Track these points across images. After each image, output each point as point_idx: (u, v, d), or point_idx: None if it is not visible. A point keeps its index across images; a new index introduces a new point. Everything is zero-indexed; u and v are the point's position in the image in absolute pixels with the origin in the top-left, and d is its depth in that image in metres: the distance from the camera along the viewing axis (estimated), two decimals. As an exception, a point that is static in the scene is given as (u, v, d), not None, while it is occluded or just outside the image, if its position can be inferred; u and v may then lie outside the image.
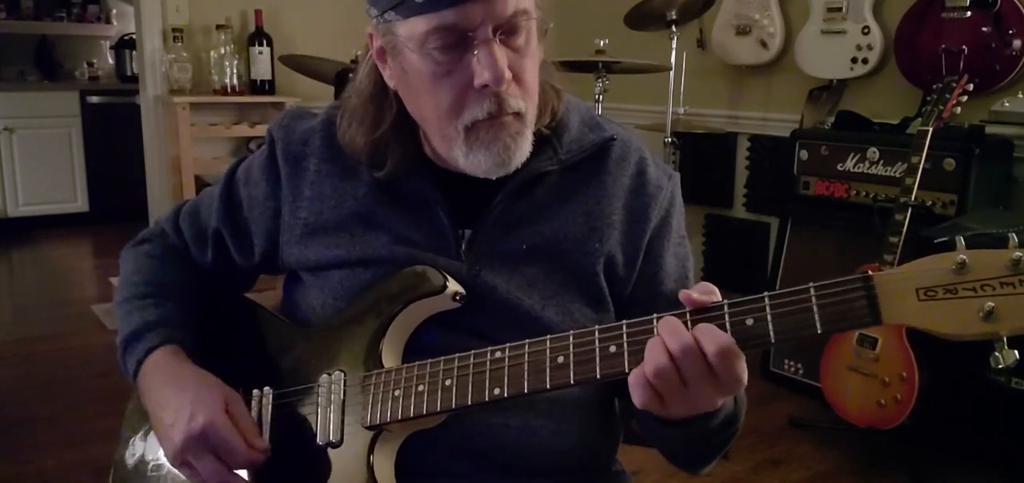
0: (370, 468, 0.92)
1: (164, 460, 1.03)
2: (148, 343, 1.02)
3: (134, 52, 5.27)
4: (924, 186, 2.29)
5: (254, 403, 1.02)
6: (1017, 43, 2.52)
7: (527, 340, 0.88)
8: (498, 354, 0.88)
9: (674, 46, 3.07)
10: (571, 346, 0.85)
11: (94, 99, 5.69)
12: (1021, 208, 2.57)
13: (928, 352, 2.25)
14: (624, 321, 0.84)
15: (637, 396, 0.80)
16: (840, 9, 2.95)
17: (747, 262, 3.49)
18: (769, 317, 0.77)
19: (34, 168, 5.50)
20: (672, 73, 3.09)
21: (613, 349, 0.83)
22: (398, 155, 1.00)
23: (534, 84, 0.95)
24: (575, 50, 3.04)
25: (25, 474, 2.37)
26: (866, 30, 2.88)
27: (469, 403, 0.89)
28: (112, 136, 5.60)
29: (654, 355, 0.78)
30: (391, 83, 0.98)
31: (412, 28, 0.89)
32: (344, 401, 0.96)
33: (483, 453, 0.97)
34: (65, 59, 6.16)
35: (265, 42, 3.75)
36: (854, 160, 2.68)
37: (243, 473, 0.97)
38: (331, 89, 3.11)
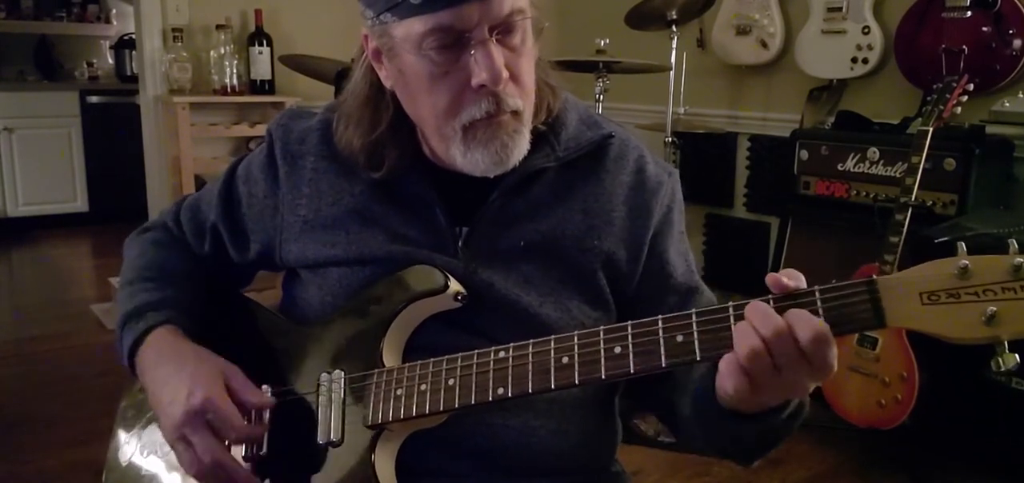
0: (371, 467, 0.92)
1: (158, 457, 1.03)
2: (147, 322, 1.02)
3: (134, 52, 5.27)
4: (924, 186, 2.29)
5: (254, 402, 1.01)
6: (1017, 43, 2.52)
7: (531, 340, 0.88)
8: (502, 354, 0.88)
9: (674, 46, 3.07)
10: (576, 346, 0.85)
11: (94, 99, 5.70)
12: (1021, 208, 2.57)
13: (928, 352, 2.25)
14: (629, 322, 0.84)
15: (731, 383, 0.79)
16: (840, 9, 2.95)
17: (747, 262, 3.49)
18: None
19: (34, 168, 5.50)
20: (672, 73, 3.09)
21: (618, 350, 0.83)
22: (395, 156, 1.01)
23: (531, 82, 0.96)
24: (575, 50, 3.05)
25: (25, 474, 2.37)
26: (866, 30, 2.88)
27: (473, 403, 0.89)
28: (112, 136, 5.60)
29: (748, 340, 0.76)
30: (387, 84, 0.98)
31: (408, 29, 0.89)
32: (344, 400, 0.96)
33: (483, 453, 0.97)
34: (65, 59, 6.16)
35: (265, 42, 3.75)
36: (854, 160, 2.68)
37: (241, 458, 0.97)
38: (331, 89, 3.11)
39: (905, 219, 2.23)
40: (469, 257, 0.99)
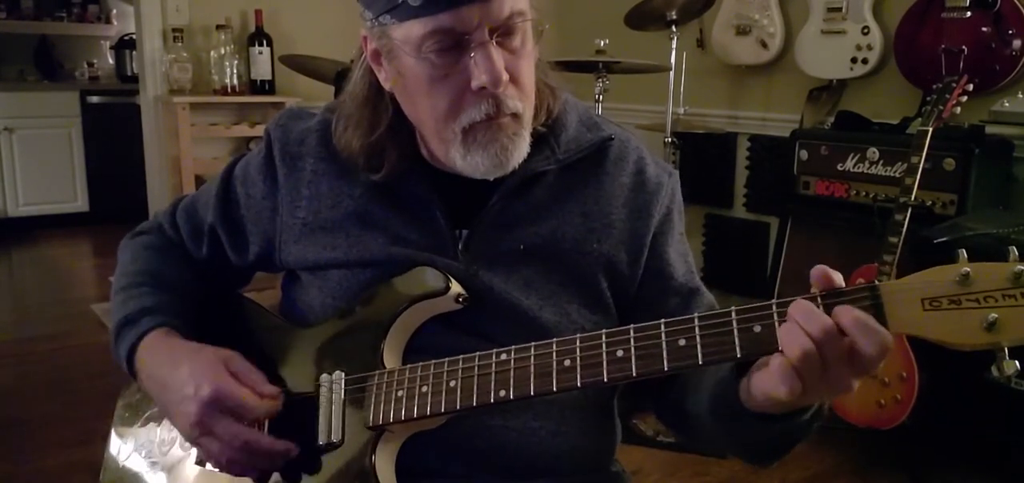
0: (372, 468, 0.92)
1: (155, 456, 1.03)
2: (141, 328, 1.01)
3: (134, 52, 5.27)
4: (924, 186, 2.28)
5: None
6: (1017, 43, 2.52)
7: (532, 343, 0.88)
8: (503, 356, 0.88)
9: (674, 46, 3.07)
10: (578, 349, 0.85)
11: (94, 99, 5.70)
12: (1021, 208, 2.57)
13: (928, 352, 2.25)
14: (631, 325, 0.84)
15: (784, 388, 0.77)
16: (840, 9, 2.95)
17: (747, 262, 3.49)
18: (776, 325, 0.77)
19: (34, 168, 5.50)
20: (672, 73, 3.09)
21: (620, 353, 0.83)
22: (395, 157, 1.00)
23: (531, 85, 0.96)
24: (575, 50, 3.04)
25: (25, 474, 2.37)
26: (866, 30, 2.88)
27: (474, 405, 0.89)
28: (112, 136, 5.61)
29: (798, 340, 0.75)
30: (387, 86, 0.98)
31: (408, 32, 0.89)
32: (345, 401, 0.96)
33: (483, 454, 0.97)
34: (65, 59, 6.16)
35: (265, 42, 3.75)
36: (854, 160, 2.68)
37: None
38: (331, 89, 3.11)
39: (905, 219, 2.23)
40: (469, 260, 0.99)
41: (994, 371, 0.73)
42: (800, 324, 0.76)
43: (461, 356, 0.91)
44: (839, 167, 2.72)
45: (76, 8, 6.23)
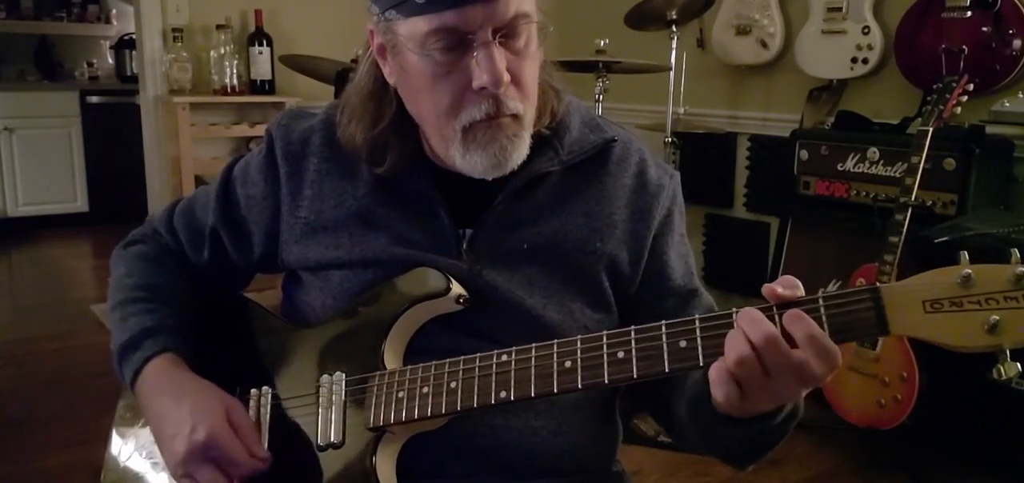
0: (372, 470, 0.92)
1: (155, 457, 1.02)
2: (145, 352, 1.01)
3: (134, 52, 5.27)
4: (924, 186, 2.28)
5: (252, 403, 1.01)
6: (1017, 43, 2.52)
7: (533, 344, 0.88)
8: (504, 357, 0.88)
9: (674, 46, 3.07)
10: (579, 351, 0.85)
11: (94, 99, 5.70)
12: (1021, 208, 2.56)
13: (928, 352, 2.25)
14: (632, 327, 0.84)
15: (720, 391, 0.79)
16: (840, 9, 2.95)
17: (747, 262, 3.49)
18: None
19: (34, 168, 5.50)
20: (672, 73, 3.09)
21: (621, 355, 0.83)
22: (397, 152, 1.00)
23: (533, 86, 0.96)
24: (575, 50, 3.05)
25: (25, 474, 2.37)
26: (866, 30, 2.88)
27: (474, 406, 0.89)
28: (112, 136, 5.61)
29: (737, 346, 0.77)
30: (391, 80, 0.98)
31: (413, 28, 0.89)
32: (345, 402, 0.96)
33: (483, 454, 0.97)
34: (65, 59, 6.16)
35: (265, 42, 3.75)
36: (854, 160, 2.68)
37: None
38: (331, 89, 3.11)
39: (905, 219, 2.23)
40: (473, 259, 0.99)
41: (995, 373, 0.73)
42: (743, 330, 0.77)
43: (462, 357, 0.91)
44: (839, 167, 2.72)
45: (76, 8, 6.23)
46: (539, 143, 1.00)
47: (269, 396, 1.01)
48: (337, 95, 2.87)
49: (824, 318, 0.77)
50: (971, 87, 2.31)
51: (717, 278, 3.61)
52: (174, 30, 3.65)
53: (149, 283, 1.08)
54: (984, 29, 2.54)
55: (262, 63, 3.75)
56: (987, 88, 2.56)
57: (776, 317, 0.77)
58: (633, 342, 0.83)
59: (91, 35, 6.29)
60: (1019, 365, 0.72)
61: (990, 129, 2.50)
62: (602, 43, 2.90)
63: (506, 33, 0.89)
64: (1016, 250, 0.73)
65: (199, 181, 3.63)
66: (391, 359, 0.97)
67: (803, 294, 0.79)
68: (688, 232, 1.12)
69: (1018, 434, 2.23)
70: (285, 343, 1.05)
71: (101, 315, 3.80)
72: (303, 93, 3.75)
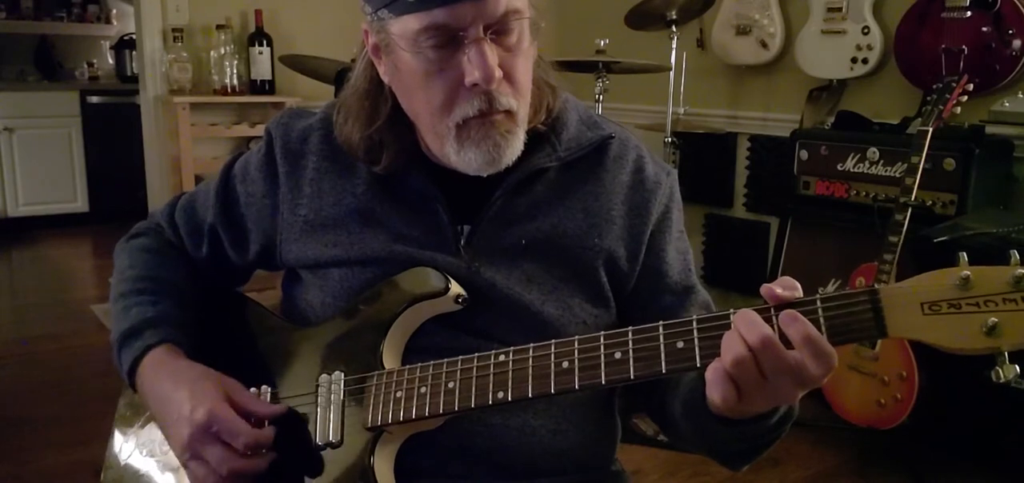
0: (370, 469, 0.92)
1: (156, 456, 1.02)
2: (146, 341, 1.01)
3: (134, 52, 5.27)
4: (924, 186, 2.29)
5: (252, 402, 1.01)
6: (1017, 43, 2.52)
7: (531, 344, 0.88)
8: (502, 357, 0.88)
9: (674, 46, 3.07)
10: (576, 351, 0.85)
11: (94, 99, 5.70)
12: (1021, 208, 2.57)
13: (928, 352, 2.24)
14: (630, 328, 0.84)
15: (716, 391, 0.79)
16: (840, 9, 2.95)
17: (747, 262, 3.49)
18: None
19: (34, 168, 5.50)
20: (672, 73, 3.09)
21: (618, 355, 0.83)
22: (394, 150, 1.01)
23: (526, 83, 0.96)
24: (575, 50, 3.05)
25: (25, 474, 2.37)
26: (866, 30, 2.88)
27: (472, 406, 0.89)
28: (112, 136, 5.61)
29: (734, 348, 0.76)
30: (385, 79, 0.99)
31: (404, 26, 0.89)
32: (344, 402, 0.96)
33: (482, 453, 0.97)
34: (65, 59, 6.16)
35: (265, 42, 3.75)
36: (854, 160, 2.68)
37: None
38: (331, 89, 3.11)
39: (905, 219, 2.23)
40: (471, 256, 0.99)
41: (994, 375, 0.73)
42: (740, 332, 0.77)
43: (460, 357, 0.91)
44: (839, 167, 2.72)
45: (76, 8, 6.23)
46: (536, 139, 1.01)
47: (268, 395, 1.01)
48: (337, 95, 2.87)
49: (822, 320, 0.76)
50: (971, 87, 2.31)
51: (717, 278, 3.62)
52: (174, 30, 3.64)
53: (151, 275, 1.09)
54: (984, 29, 2.54)
55: (262, 63, 3.75)
56: (987, 88, 2.56)
57: (774, 318, 0.77)
58: (630, 343, 0.83)
59: (91, 35, 6.29)
60: (1017, 367, 0.72)
61: (990, 129, 2.50)
62: (602, 43, 2.90)
63: (497, 29, 0.89)
64: (1015, 252, 0.72)
65: (199, 181, 3.62)
66: (390, 359, 0.97)
67: (801, 295, 0.79)
68: (688, 232, 1.12)
69: (1018, 434, 2.23)
70: (284, 342, 1.05)
71: (101, 315, 3.80)
72: (303, 93, 3.75)
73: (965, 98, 2.30)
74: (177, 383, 0.97)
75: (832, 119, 2.95)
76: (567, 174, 1.03)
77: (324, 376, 0.98)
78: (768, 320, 0.77)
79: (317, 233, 1.03)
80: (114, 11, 6.34)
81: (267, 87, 3.78)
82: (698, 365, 0.80)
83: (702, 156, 3.56)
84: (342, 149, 1.03)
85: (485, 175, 0.96)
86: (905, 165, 2.31)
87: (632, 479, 1.14)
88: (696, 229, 3.64)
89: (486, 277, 0.98)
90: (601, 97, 2.90)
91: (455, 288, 0.96)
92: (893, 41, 2.84)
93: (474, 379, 0.89)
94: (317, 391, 0.98)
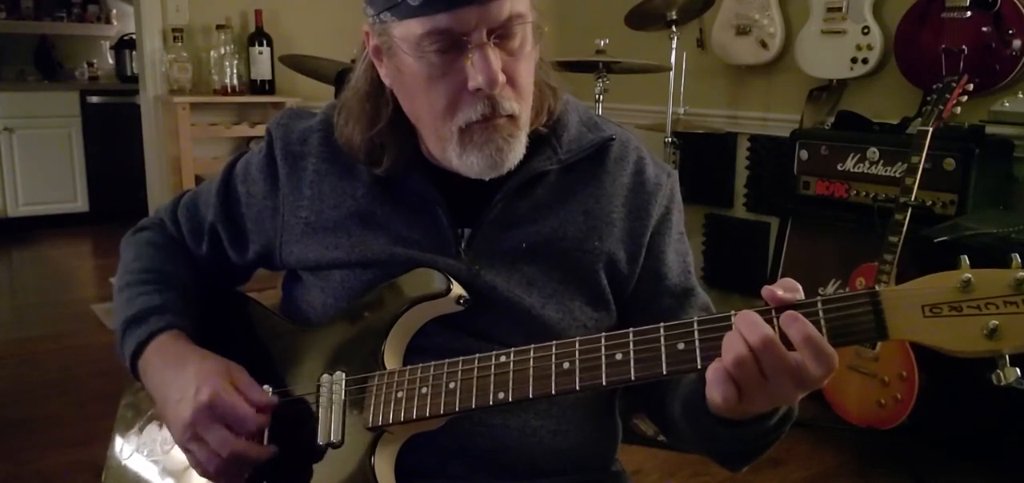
0: (371, 469, 0.92)
1: (157, 456, 1.03)
2: (151, 327, 1.02)
3: (134, 52, 5.27)
4: (924, 186, 2.29)
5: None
6: (1017, 43, 2.52)
7: (532, 345, 0.88)
8: (503, 358, 0.88)
9: (674, 46, 3.07)
10: (577, 352, 0.85)
11: (94, 99, 5.70)
12: (1021, 208, 2.57)
13: (928, 353, 2.24)
14: (631, 329, 0.84)
15: (717, 391, 0.79)
16: (840, 9, 2.95)
17: (747, 262, 3.49)
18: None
19: (34, 168, 5.50)
20: (672, 73, 3.09)
21: (619, 356, 0.83)
22: (395, 153, 1.01)
23: (528, 86, 0.96)
24: (575, 50, 3.04)
25: (25, 474, 2.37)
26: (866, 30, 2.88)
27: (473, 407, 0.89)
28: (112, 136, 5.61)
29: (735, 348, 0.77)
30: (387, 81, 0.99)
31: (407, 30, 0.89)
32: (345, 402, 0.96)
33: (483, 454, 0.97)
34: (65, 59, 6.16)
35: (265, 42, 3.75)
36: (854, 160, 2.68)
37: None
38: (331, 89, 3.11)
39: (905, 219, 2.23)
40: (472, 258, 0.99)
41: (995, 378, 0.73)
42: (741, 332, 0.77)
43: (460, 358, 0.91)
44: (839, 167, 2.72)
45: (76, 8, 6.23)
46: (537, 142, 1.00)
47: (269, 393, 1.01)
48: (337, 95, 2.86)
49: (822, 321, 0.76)
50: (971, 87, 2.31)
51: (717, 278, 3.62)
52: (174, 30, 3.64)
53: (156, 268, 1.10)
54: (984, 29, 2.54)
55: (262, 63, 3.75)
56: (987, 88, 2.56)
57: (775, 319, 0.77)
58: (631, 344, 0.83)
59: (91, 35, 6.29)
60: (1018, 370, 0.72)
61: (990, 129, 2.50)
62: (602, 43, 2.90)
63: (501, 34, 0.89)
64: (1017, 255, 0.72)
65: (199, 181, 3.62)
66: (391, 359, 0.97)
67: (802, 297, 0.79)
68: (688, 232, 1.12)
69: (1018, 434, 2.23)
70: (285, 342, 1.06)
71: (102, 315, 3.80)
72: (303, 93, 3.75)
73: (965, 98, 2.30)
74: (182, 365, 0.97)
75: (832, 119, 2.95)
76: (567, 176, 1.03)
77: (325, 376, 0.98)
78: (769, 321, 0.77)
79: (318, 235, 1.03)
80: (114, 11, 6.34)
81: (267, 87, 3.78)
82: (699, 366, 0.80)
83: (702, 156, 3.56)
84: (342, 151, 1.03)
85: (487, 179, 0.96)
86: (905, 165, 2.31)
87: (632, 479, 1.14)
88: (696, 229, 3.64)
89: (487, 280, 0.98)
90: (601, 97, 2.90)
91: (457, 289, 0.96)
92: (893, 41, 2.84)
93: (475, 380, 0.89)
94: (318, 391, 0.98)
